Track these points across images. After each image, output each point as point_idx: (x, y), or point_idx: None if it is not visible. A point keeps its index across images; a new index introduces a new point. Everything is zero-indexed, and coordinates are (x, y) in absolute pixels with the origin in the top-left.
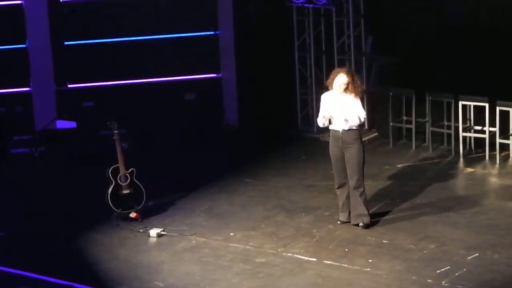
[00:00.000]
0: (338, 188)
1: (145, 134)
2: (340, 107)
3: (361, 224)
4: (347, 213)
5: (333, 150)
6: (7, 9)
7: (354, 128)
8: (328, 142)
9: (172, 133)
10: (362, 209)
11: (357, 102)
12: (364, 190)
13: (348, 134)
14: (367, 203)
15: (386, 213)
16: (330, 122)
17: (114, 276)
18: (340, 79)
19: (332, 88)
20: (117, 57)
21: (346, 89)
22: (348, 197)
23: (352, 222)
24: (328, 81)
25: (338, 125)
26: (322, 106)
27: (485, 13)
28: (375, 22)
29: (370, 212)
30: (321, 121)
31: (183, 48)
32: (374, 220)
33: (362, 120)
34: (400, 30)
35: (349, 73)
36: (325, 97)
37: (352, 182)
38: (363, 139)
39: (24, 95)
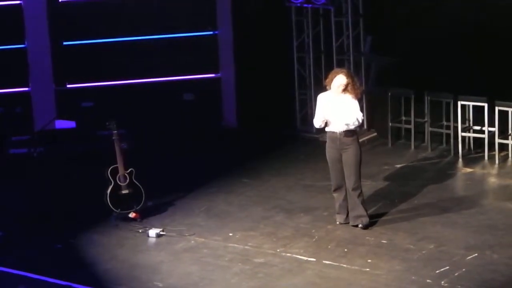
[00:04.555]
0: (335, 190)
1: (144, 134)
2: (338, 109)
3: (360, 225)
4: (345, 215)
5: (330, 152)
6: (6, 9)
7: (351, 129)
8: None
9: (170, 133)
10: (360, 210)
11: (355, 103)
12: (362, 191)
13: (345, 135)
14: (365, 203)
15: (385, 213)
16: (326, 124)
17: (113, 277)
18: (339, 80)
19: (330, 88)
20: (116, 57)
21: (344, 90)
22: (345, 199)
23: (351, 223)
24: (327, 80)
25: (335, 127)
26: (319, 106)
27: (484, 13)
28: (374, 22)
29: (369, 212)
30: (317, 123)
31: (182, 48)
32: (373, 221)
33: (360, 121)
34: (399, 30)
35: (348, 75)
36: (322, 98)
37: (350, 184)
38: (362, 139)
39: (23, 95)
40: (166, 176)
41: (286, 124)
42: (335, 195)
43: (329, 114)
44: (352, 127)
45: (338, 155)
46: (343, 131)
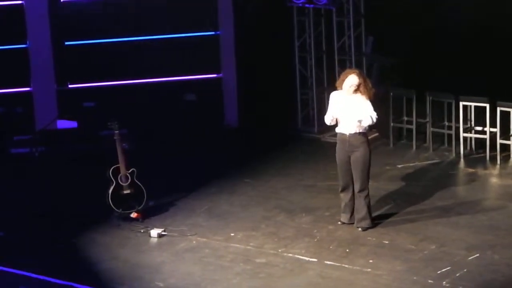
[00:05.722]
0: (342, 190)
1: (145, 134)
2: (349, 109)
3: (360, 229)
4: (349, 215)
5: (339, 153)
6: (8, 9)
7: (361, 131)
8: (328, 142)
9: (172, 133)
10: (364, 213)
11: (368, 103)
12: (368, 194)
13: (355, 137)
14: (371, 207)
15: (386, 213)
16: (336, 123)
17: (114, 276)
18: (351, 80)
19: (341, 89)
20: (117, 57)
21: (356, 90)
22: (351, 199)
23: (355, 224)
24: (338, 82)
25: (345, 128)
26: (331, 104)
27: (485, 14)
28: (376, 22)
29: (373, 214)
30: (328, 120)
31: (183, 48)
32: (376, 222)
33: (375, 120)
34: (401, 30)
35: (360, 75)
36: (334, 96)
37: (357, 186)
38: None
39: (24, 95)
40: (168, 176)
41: (287, 124)
42: (341, 195)
43: (339, 113)
44: (364, 124)
45: (346, 156)
46: (352, 133)
